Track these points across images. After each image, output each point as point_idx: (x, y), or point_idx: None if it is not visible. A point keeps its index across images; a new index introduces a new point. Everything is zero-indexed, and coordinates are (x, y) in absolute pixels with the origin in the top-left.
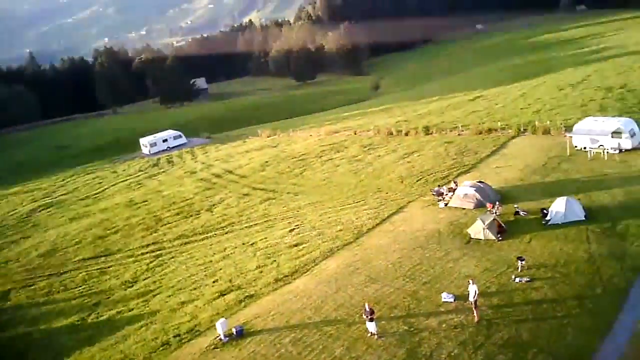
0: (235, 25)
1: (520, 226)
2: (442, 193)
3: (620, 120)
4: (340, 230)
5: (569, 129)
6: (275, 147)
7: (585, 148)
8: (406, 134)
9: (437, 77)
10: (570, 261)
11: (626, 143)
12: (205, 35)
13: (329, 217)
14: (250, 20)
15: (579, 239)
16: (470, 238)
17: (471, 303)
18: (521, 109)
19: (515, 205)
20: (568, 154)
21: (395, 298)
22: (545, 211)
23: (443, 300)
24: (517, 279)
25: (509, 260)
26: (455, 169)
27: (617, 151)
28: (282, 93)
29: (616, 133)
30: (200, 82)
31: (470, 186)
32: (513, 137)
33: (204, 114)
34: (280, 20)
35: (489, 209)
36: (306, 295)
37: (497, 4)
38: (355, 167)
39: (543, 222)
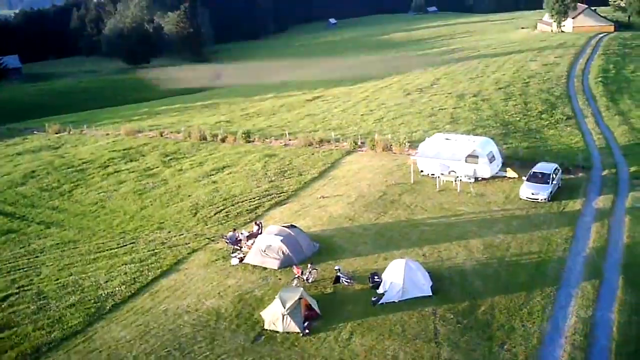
0: (70, 1)
1: (340, 305)
2: (240, 240)
3: (477, 141)
4: (73, 305)
5: (413, 144)
6: (57, 149)
7: (433, 175)
8: (222, 140)
9: (282, 70)
10: None
11: (484, 170)
12: (35, 8)
13: (71, 274)
14: None
15: (423, 334)
16: (263, 329)
17: None
18: (362, 115)
19: (337, 267)
20: (412, 181)
21: None
22: (376, 278)
23: None
24: None
25: None
26: (269, 198)
27: (472, 180)
28: (107, 77)
29: (471, 157)
30: (11, 61)
31: (277, 233)
32: (348, 153)
33: (4, 98)
34: None
35: (296, 275)
36: None
37: (351, 0)
38: (144, 186)
39: (372, 300)
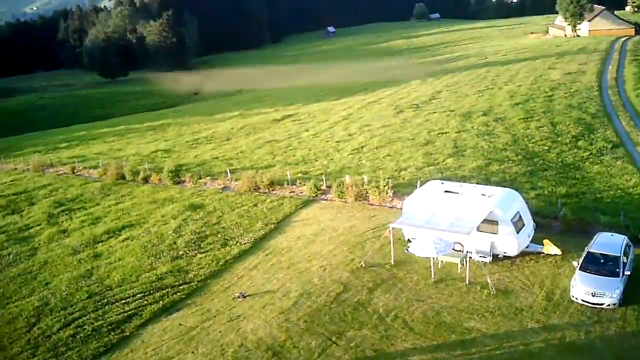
0: (58, 11)
1: None
2: None
3: (494, 195)
4: None
5: (399, 192)
6: None
7: (427, 253)
8: (145, 181)
9: (268, 82)
10: None
11: (507, 244)
12: (22, 19)
13: None
14: (78, 5)
15: None
16: None
17: None
18: (337, 142)
19: None
20: (392, 261)
21: None
22: None
23: None
24: None
25: None
26: (160, 295)
27: (489, 258)
28: (74, 92)
29: (489, 223)
30: None
31: None
32: (305, 204)
33: None
34: (103, 5)
35: None
36: None
37: (351, 9)
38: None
39: None
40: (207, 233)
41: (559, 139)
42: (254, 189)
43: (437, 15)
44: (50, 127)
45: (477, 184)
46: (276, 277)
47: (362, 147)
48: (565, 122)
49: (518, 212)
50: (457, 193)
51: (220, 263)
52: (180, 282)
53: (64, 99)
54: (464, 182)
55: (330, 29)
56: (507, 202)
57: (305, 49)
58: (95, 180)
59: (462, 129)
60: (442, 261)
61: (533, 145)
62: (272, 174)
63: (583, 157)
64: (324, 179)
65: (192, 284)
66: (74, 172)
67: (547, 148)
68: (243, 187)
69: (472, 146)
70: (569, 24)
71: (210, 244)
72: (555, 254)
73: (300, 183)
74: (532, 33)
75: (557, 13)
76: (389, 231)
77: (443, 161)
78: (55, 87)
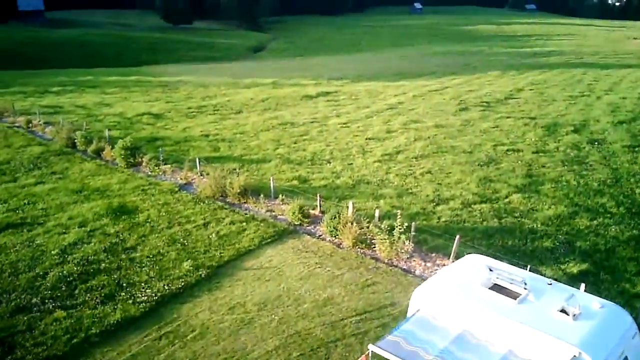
0: None
1: None
2: None
3: (587, 315)
4: None
5: (424, 246)
6: None
7: None
8: (97, 154)
9: (334, 51)
10: None
11: None
12: None
13: None
14: None
15: None
16: None
17: None
18: (367, 139)
19: None
20: None
21: None
22: None
23: None
24: None
25: None
26: None
27: None
28: (129, 33)
29: None
30: (33, 3)
31: None
32: (277, 237)
33: None
34: None
35: None
36: None
37: None
38: None
39: None
40: (103, 266)
41: None
42: (220, 195)
43: (533, 6)
44: (80, 66)
45: (556, 260)
46: None
47: (398, 152)
48: None
49: (625, 357)
50: (517, 296)
51: (75, 340)
52: None
53: (110, 38)
54: (532, 241)
55: (417, 5)
56: (608, 337)
57: (383, 22)
58: (41, 143)
59: (543, 149)
60: None
61: None
62: (260, 173)
63: None
64: (319, 200)
65: None
66: (28, 127)
67: None
68: (206, 191)
69: (554, 178)
70: None
71: (92, 290)
72: None
73: (283, 200)
74: (635, 38)
75: None
76: (366, 357)
77: (506, 197)
78: (113, 25)
